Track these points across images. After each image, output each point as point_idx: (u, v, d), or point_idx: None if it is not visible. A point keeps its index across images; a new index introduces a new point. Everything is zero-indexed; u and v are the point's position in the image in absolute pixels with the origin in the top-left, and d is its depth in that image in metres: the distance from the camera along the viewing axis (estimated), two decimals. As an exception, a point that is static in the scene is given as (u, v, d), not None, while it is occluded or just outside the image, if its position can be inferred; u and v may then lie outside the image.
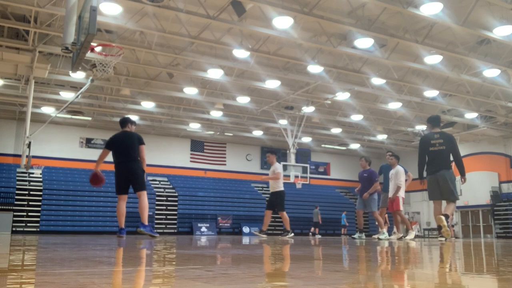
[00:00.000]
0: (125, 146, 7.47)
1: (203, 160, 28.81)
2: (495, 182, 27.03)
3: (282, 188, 11.20)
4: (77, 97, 17.01)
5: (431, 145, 7.91)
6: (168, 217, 23.78)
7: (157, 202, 23.42)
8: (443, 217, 7.30)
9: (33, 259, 2.58)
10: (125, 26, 13.72)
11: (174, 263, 2.42)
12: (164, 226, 23.21)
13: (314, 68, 17.06)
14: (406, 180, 10.46)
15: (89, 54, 8.11)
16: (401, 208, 10.15)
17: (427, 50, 15.47)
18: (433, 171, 7.82)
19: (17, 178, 21.72)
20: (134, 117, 23.99)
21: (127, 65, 17.29)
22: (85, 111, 22.90)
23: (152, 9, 12.94)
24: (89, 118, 24.00)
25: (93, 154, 25.98)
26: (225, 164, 29.63)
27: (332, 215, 27.94)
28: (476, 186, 27.18)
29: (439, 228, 7.46)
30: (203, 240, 7.99)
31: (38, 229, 20.51)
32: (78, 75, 17.62)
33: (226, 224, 25.17)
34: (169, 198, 24.32)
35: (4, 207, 20.62)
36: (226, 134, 27.57)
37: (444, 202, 7.88)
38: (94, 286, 1.35)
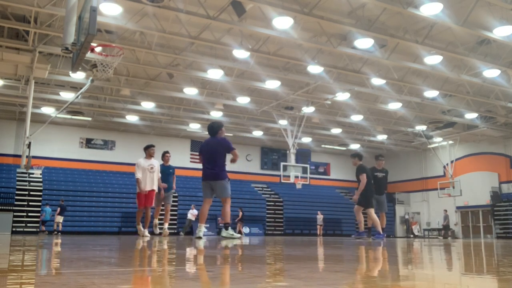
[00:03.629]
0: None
1: (203, 161, 28.76)
2: (495, 182, 27.03)
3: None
4: (77, 97, 17.01)
5: None
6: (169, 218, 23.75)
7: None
8: None
9: (33, 259, 2.58)
10: (125, 27, 13.72)
11: (174, 263, 2.42)
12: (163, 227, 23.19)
13: (314, 69, 17.06)
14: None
15: (89, 55, 8.10)
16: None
17: (427, 50, 15.47)
18: None
19: (17, 178, 21.71)
20: (134, 117, 24.04)
21: (127, 65, 17.28)
22: (85, 112, 22.89)
23: (152, 10, 12.94)
24: (89, 119, 23.99)
25: (93, 154, 26.02)
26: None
27: (332, 215, 27.94)
28: (476, 186, 27.19)
29: None
30: (203, 240, 7.97)
31: (38, 230, 20.51)
32: (78, 76, 17.62)
33: (226, 225, 25.14)
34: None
35: (4, 207, 20.61)
36: (226, 134, 27.51)
37: None
38: (94, 286, 1.35)
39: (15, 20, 13.50)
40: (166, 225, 10.64)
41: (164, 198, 10.57)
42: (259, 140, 28.89)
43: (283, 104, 22.25)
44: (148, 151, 9.89)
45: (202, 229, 7.57)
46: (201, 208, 7.74)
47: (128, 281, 1.57)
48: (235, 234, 7.77)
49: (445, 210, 28.12)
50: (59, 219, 20.18)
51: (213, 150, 7.78)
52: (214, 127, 8.05)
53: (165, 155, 10.83)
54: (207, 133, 8.21)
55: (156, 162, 9.97)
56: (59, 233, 19.44)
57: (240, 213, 23.82)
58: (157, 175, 9.88)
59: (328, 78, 18.22)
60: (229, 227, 7.66)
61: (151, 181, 9.70)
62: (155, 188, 9.83)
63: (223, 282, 1.52)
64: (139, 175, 9.58)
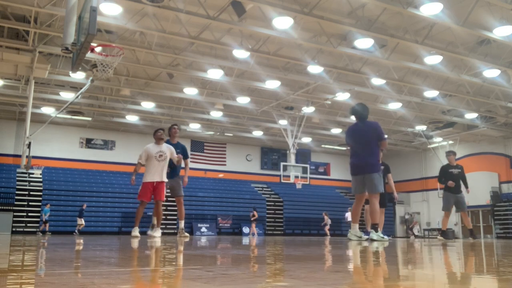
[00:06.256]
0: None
1: (203, 160, 28.81)
2: (495, 182, 27.03)
3: None
4: (77, 97, 17.02)
5: None
6: (168, 217, 23.75)
7: (157, 203, 23.42)
8: None
9: (33, 259, 2.58)
10: (125, 27, 13.73)
11: (174, 263, 2.42)
12: (164, 226, 23.16)
13: (314, 69, 17.07)
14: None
15: (89, 55, 8.11)
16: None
17: (427, 50, 15.48)
18: None
19: (17, 178, 21.71)
20: (134, 117, 24.03)
21: (127, 65, 17.29)
22: (85, 112, 22.90)
23: (152, 10, 12.95)
24: (89, 119, 24.00)
25: (93, 154, 26.02)
26: (225, 165, 29.63)
27: (332, 215, 27.90)
28: (476, 186, 27.16)
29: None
30: (203, 240, 7.98)
31: (38, 230, 20.51)
32: (78, 76, 17.63)
33: (226, 225, 25.17)
34: (168, 199, 24.20)
35: (4, 207, 20.61)
36: (226, 134, 27.57)
37: None
38: (94, 286, 1.35)
39: (15, 20, 13.52)
40: (182, 224, 8.79)
41: (171, 189, 8.72)
42: (259, 140, 28.90)
43: (283, 104, 22.26)
44: (156, 135, 8.21)
45: (356, 230, 6.72)
46: (353, 206, 6.92)
47: (128, 281, 1.57)
48: (385, 237, 6.82)
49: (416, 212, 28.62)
50: (80, 221, 20.43)
51: (366, 136, 6.80)
52: (360, 110, 6.97)
53: (172, 128, 8.79)
54: (354, 117, 7.24)
55: (167, 149, 8.24)
56: (76, 233, 19.69)
57: (255, 213, 23.76)
58: (167, 164, 8.20)
59: (328, 78, 18.23)
60: (378, 229, 6.67)
61: (160, 171, 8.07)
62: (165, 179, 8.23)
63: (223, 282, 1.52)
64: (141, 159, 8.05)
